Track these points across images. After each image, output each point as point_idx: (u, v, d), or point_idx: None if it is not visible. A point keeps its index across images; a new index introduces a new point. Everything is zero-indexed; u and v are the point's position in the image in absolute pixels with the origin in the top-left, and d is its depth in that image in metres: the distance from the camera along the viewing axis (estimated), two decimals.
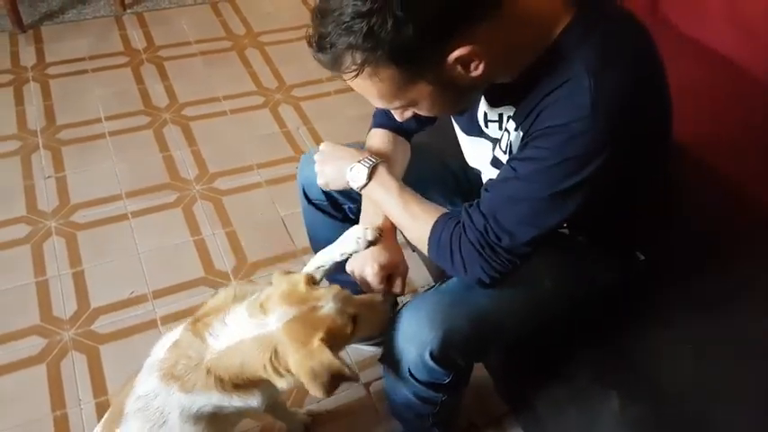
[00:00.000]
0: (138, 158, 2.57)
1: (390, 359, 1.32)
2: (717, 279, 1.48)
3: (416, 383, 1.31)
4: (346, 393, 1.86)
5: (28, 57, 3.03)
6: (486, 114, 1.24)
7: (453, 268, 1.17)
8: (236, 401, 1.23)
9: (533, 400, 1.55)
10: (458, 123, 1.37)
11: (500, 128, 1.21)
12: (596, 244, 1.36)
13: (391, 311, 1.32)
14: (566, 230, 1.33)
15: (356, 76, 0.97)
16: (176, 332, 1.29)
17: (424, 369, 1.25)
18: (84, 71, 2.99)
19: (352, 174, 1.29)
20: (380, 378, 1.88)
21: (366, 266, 1.32)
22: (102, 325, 1.98)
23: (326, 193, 1.50)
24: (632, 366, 1.36)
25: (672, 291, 1.47)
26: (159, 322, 1.99)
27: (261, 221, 2.35)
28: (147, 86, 2.94)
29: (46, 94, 2.83)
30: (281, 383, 1.18)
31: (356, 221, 1.56)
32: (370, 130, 1.50)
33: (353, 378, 1.17)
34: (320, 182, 1.39)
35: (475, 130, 1.30)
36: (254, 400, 1.24)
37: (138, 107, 2.82)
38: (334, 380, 1.13)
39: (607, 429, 1.32)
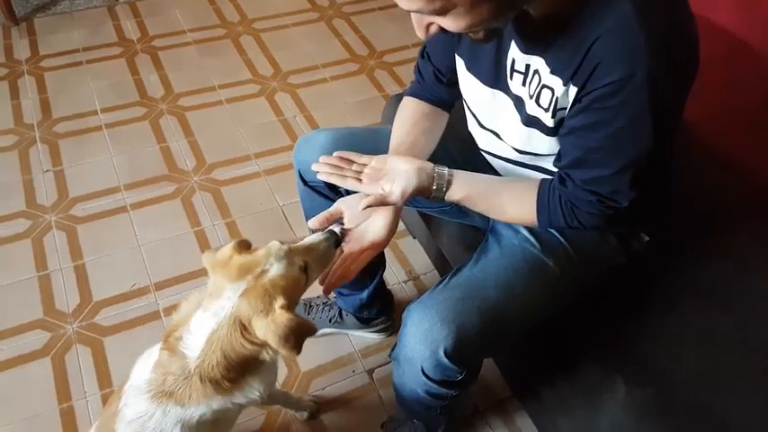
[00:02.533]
0: (135, 150, 2.56)
1: (402, 358, 1.33)
2: (721, 263, 1.48)
3: (429, 382, 1.31)
4: (351, 380, 1.88)
5: (22, 50, 3.01)
6: (514, 62, 1.17)
7: (569, 226, 1.19)
8: (238, 398, 1.22)
9: (538, 386, 1.56)
10: (479, 76, 1.28)
11: (523, 83, 1.17)
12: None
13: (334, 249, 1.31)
14: None
15: None
16: (152, 352, 1.27)
17: (438, 367, 1.26)
18: (79, 63, 2.97)
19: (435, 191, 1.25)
20: (383, 365, 1.89)
21: (354, 218, 1.33)
22: (106, 317, 1.99)
23: None
24: (637, 353, 1.36)
25: (676, 277, 1.47)
26: (162, 314, 2.00)
27: (260, 211, 2.35)
28: (141, 77, 2.92)
29: (41, 87, 2.82)
30: (265, 352, 1.17)
31: None
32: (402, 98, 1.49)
33: (314, 331, 1.19)
34: (394, 200, 1.22)
35: (499, 82, 1.23)
36: (254, 392, 1.24)
37: (133, 98, 2.80)
38: (301, 338, 1.13)
39: (611, 415, 1.33)
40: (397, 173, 1.22)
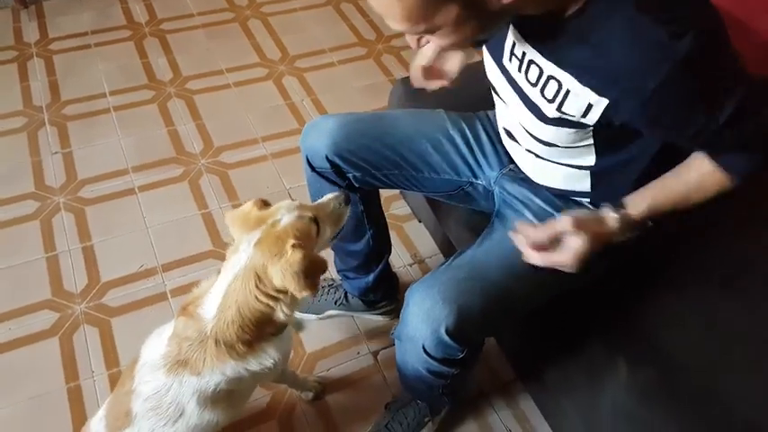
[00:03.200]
0: (143, 133, 2.57)
1: (404, 336, 1.34)
2: (727, 246, 1.47)
3: (431, 360, 1.32)
4: (356, 361, 1.89)
5: (31, 32, 3.02)
6: (514, 45, 1.16)
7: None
8: (252, 365, 1.24)
9: (541, 367, 1.56)
10: (489, 49, 1.28)
11: (519, 69, 1.16)
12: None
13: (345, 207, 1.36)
14: (587, 200, 1.33)
15: None
16: (163, 329, 1.30)
17: (440, 345, 1.27)
18: (88, 46, 2.98)
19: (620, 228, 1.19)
20: (388, 347, 1.91)
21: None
22: (113, 298, 2.00)
23: (330, 161, 1.50)
24: (640, 334, 1.37)
25: (681, 259, 1.47)
26: (169, 295, 2.01)
27: (267, 194, 2.34)
28: (150, 60, 2.93)
29: (50, 69, 2.83)
30: (280, 309, 1.20)
31: (360, 189, 1.57)
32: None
33: (326, 265, 1.23)
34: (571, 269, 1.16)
35: (498, 57, 1.23)
36: (268, 359, 1.26)
37: (141, 81, 2.81)
38: (317, 273, 1.18)
39: (614, 396, 1.34)
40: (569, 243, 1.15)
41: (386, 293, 1.90)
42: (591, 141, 1.16)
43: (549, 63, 1.09)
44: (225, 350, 1.20)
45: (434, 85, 1.42)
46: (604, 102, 1.04)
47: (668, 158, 1.20)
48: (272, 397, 1.80)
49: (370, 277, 1.81)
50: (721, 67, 1.01)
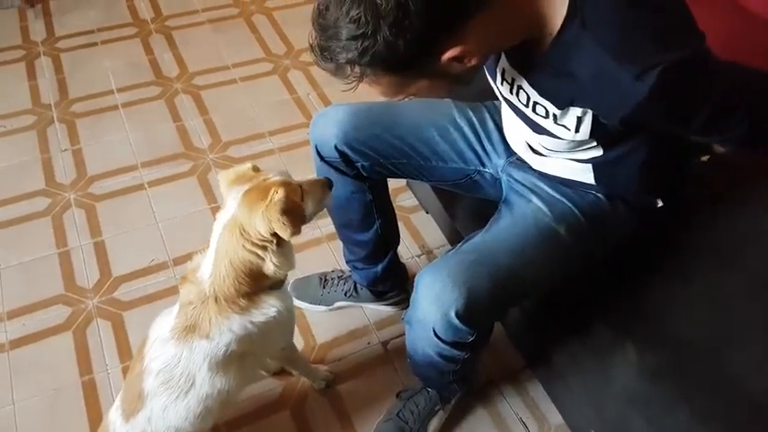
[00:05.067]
0: (151, 129, 2.59)
1: (414, 320, 1.35)
2: (733, 227, 1.47)
3: (441, 343, 1.33)
4: (367, 350, 1.91)
5: (38, 31, 3.04)
6: (504, 71, 1.21)
7: None
8: (256, 316, 1.27)
9: (550, 353, 1.57)
10: (485, 69, 1.32)
11: (510, 91, 1.22)
12: (616, 195, 1.37)
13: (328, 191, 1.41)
14: (592, 182, 1.34)
15: (358, 84, 1.03)
16: (171, 310, 1.34)
17: (450, 329, 1.28)
18: (94, 43, 3.00)
19: None
20: (398, 337, 1.92)
21: None
22: (125, 292, 2.02)
23: (339, 151, 1.52)
24: (647, 317, 1.37)
25: (688, 241, 1.47)
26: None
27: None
28: (156, 57, 2.94)
29: (57, 67, 2.85)
30: (269, 259, 1.23)
31: (369, 178, 1.58)
32: None
33: (304, 213, 1.26)
34: None
35: (492, 79, 1.29)
36: (271, 309, 1.29)
37: (149, 78, 2.83)
38: (298, 216, 1.22)
39: (623, 379, 1.35)
40: None
41: (395, 284, 1.92)
42: (594, 143, 1.19)
43: (533, 91, 1.14)
44: (226, 305, 1.24)
45: None
46: (590, 113, 1.10)
47: (669, 147, 1.25)
48: (284, 387, 1.81)
49: (379, 268, 1.82)
50: (692, 91, 1.02)
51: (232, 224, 1.21)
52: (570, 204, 1.34)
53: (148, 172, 2.41)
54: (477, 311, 1.25)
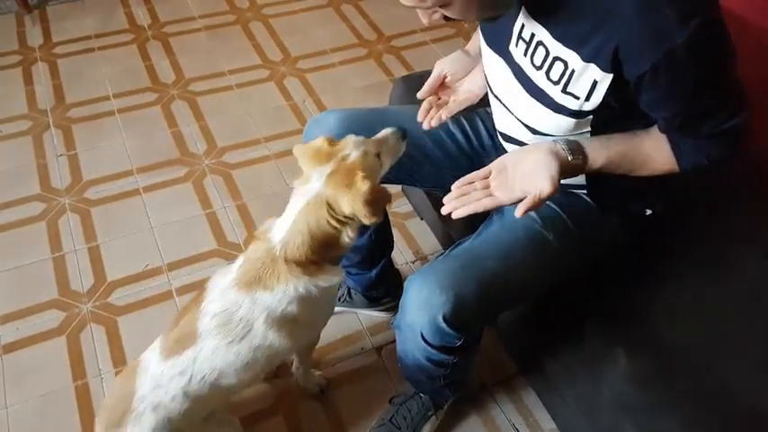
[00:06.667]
0: (147, 135, 2.59)
1: (403, 325, 1.36)
2: (722, 236, 1.49)
3: (429, 347, 1.34)
4: (360, 357, 1.91)
5: (35, 37, 3.05)
6: (522, 27, 1.18)
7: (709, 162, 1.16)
8: (322, 281, 1.33)
9: (542, 359, 1.58)
10: (485, 35, 1.31)
11: (525, 53, 1.18)
12: (605, 203, 1.37)
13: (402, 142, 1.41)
14: (584, 192, 1.35)
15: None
16: (227, 268, 1.39)
17: (437, 333, 1.28)
18: (91, 49, 3.01)
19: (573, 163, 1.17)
20: (392, 342, 1.92)
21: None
22: (119, 297, 2.03)
23: None
24: (638, 324, 1.38)
25: (678, 249, 1.48)
26: (175, 293, 2.04)
27: (270, 194, 2.38)
28: (153, 63, 2.95)
29: (54, 73, 2.85)
30: (346, 234, 1.30)
31: None
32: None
33: (390, 197, 1.31)
34: (548, 192, 1.12)
35: (502, 45, 1.25)
36: (334, 277, 1.37)
37: (145, 84, 2.84)
38: (383, 203, 1.29)
39: (614, 385, 1.35)
40: (531, 169, 1.13)
41: (388, 290, 1.92)
42: (588, 129, 1.18)
43: (556, 42, 1.11)
44: (296, 268, 1.29)
45: (434, 122, 1.43)
46: (609, 77, 1.06)
47: None
48: (278, 393, 1.82)
49: (373, 273, 1.83)
50: (719, 57, 1.03)
51: (318, 201, 1.27)
52: (560, 211, 1.35)
53: (144, 177, 2.41)
54: (464, 316, 1.26)
